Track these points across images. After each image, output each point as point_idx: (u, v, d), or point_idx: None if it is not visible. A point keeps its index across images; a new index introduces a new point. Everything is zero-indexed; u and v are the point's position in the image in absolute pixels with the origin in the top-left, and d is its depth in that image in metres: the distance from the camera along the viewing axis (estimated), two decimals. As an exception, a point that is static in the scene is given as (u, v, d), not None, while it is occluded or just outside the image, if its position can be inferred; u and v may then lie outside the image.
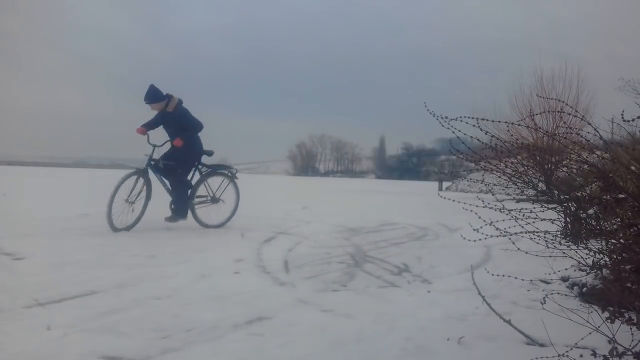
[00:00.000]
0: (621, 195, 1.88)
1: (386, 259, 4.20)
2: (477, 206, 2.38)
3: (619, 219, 1.98)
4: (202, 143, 5.59)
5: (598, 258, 2.20)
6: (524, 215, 2.39)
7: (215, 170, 5.80)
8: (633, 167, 1.79)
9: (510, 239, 2.44)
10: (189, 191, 5.48)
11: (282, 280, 3.31)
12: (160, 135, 5.50)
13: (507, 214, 2.42)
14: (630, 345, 1.62)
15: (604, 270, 2.29)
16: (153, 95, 5.31)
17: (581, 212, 2.97)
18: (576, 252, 2.41)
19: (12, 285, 2.83)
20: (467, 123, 2.04)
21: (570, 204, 3.22)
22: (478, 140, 2.20)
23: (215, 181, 5.73)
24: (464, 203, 2.52)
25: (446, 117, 2.08)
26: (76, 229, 5.13)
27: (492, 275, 2.61)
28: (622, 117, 1.73)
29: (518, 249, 2.61)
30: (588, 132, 1.95)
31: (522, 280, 2.70)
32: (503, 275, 2.61)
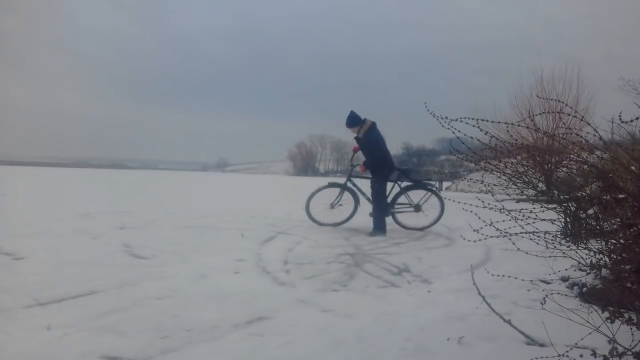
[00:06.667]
0: (621, 195, 1.89)
1: (386, 259, 4.20)
2: (477, 206, 2.38)
3: (619, 219, 1.98)
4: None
5: (598, 258, 2.20)
6: (523, 216, 2.39)
7: (416, 185, 6.37)
8: (633, 167, 1.79)
9: (510, 239, 2.44)
10: (385, 206, 6.05)
11: (282, 280, 3.31)
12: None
13: (507, 214, 2.41)
14: (630, 345, 1.62)
15: (604, 270, 2.29)
16: (348, 120, 6.04)
17: (581, 212, 2.96)
18: (576, 252, 2.40)
19: (12, 285, 2.83)
20: (467, 123, 2.04)
21: (570, 204, 3.21)
22: (478, 140, 2.19)
23: (418, 194, 6.35)
24: (464, 203, 2.52)
25: (446, 117, 2.08)
26: (76, 229, 5.13)
27: (492, 275, 2.61)
28: (620, 119, 1.72)
29: (518, 249, 2.60)
30: (588, 133, 1.95)
31: (522, 280, 2.70)
32: (503, 276, 2.61)
